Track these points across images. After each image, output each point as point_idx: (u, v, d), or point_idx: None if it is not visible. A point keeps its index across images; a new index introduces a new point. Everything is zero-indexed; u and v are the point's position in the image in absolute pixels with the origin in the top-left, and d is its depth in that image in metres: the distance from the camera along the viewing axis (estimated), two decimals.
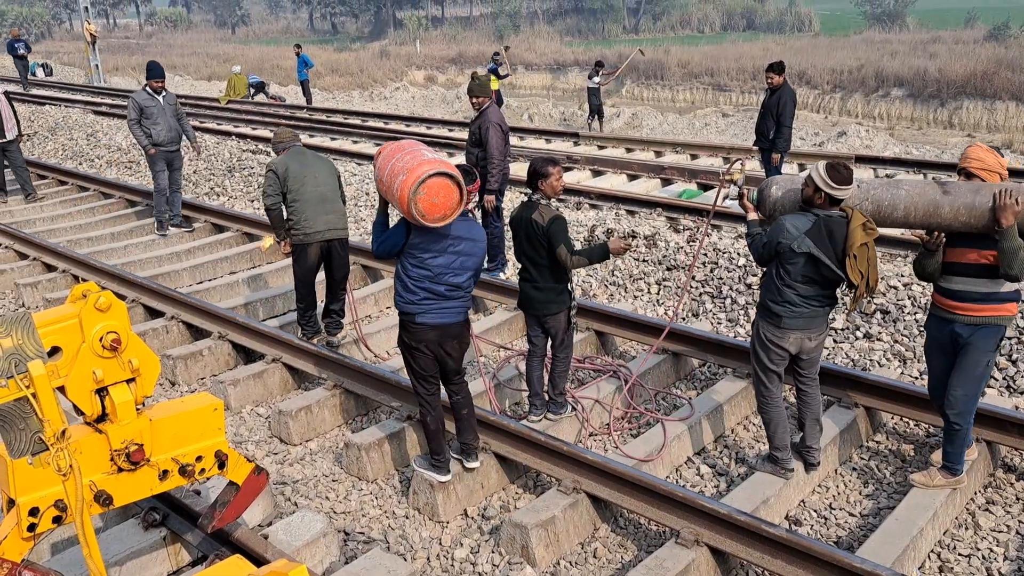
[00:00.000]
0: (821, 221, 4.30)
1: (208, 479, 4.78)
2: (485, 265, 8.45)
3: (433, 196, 4.15)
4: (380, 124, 18.89)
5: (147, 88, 9.54)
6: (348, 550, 4.51)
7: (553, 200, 5.26)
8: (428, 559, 4.47)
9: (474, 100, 7.85)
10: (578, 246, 8.71)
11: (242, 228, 9.84)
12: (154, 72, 9.54)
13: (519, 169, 13.44)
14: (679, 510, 4.33)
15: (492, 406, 5.83)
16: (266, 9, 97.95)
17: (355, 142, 16.67)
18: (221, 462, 3.73)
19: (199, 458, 3.66)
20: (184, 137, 9.93)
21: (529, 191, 5.25)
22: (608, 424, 5.71)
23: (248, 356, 6.84)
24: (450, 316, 4.49)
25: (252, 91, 23.91)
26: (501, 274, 8.32)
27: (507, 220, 9.11)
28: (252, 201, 11.71)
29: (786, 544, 3.94)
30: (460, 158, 13.12)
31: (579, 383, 6.21)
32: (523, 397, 5.95)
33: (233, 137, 15.94)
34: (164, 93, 9.60)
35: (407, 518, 4.82)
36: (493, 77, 19.79)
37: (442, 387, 4.77)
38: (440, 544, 4.59)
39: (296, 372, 6.45)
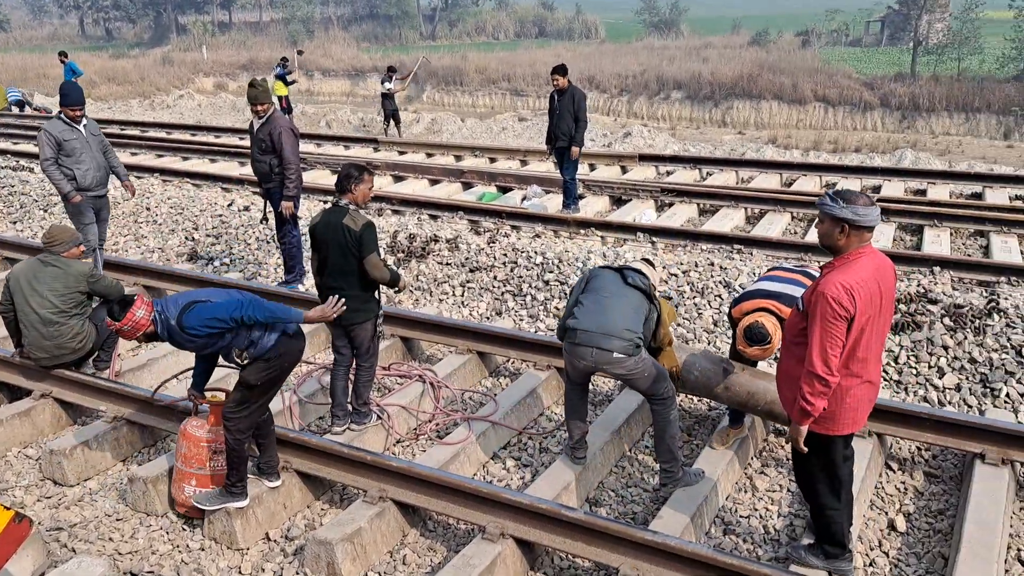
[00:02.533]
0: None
1: None
2: (284, 278, 8.17)
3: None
4: (162, 134, 17.73)
5: (62, 116, 7.41)
6: None
7: (362, 208, 5.16)
8: None
9: (258, 107, 7.51)
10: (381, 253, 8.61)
11: (2, 252, 8.86)
12: (73, 96, 7.36)
13: (317, 177, 13.12)
14: (484, 506, 4.38)
15: (294, 423, 5.63)
16: (28, 14, 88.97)
17: (134, 154, 15.51)
18: None
19: None
20: (112, 175, 7.86)
21: (337, 196, 5.12)
22: (415, 429, 5.68)
23: (13, 394, 6.15)
24: None
25: (13, 108, 21.67)
26: (300, 286, 8.04)
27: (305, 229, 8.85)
28: (14, 223, 10.58)
29: (584, 526, 4.09)
30: (248, 168, 12.59)
31: (386, 391, 6.13)
32: (327, 411, 5.78)
33: None
34: (85, 122, 7.50)
35: (203, 550, 4.53)
36: (280, 83, 19.17)
37: None
38: (240, 573, 4.34)
39: (70, 407, 5.88)
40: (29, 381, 5.93)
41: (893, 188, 11.40)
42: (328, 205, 5.17)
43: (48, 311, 5.55)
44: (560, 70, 10.09)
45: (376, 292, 5.23)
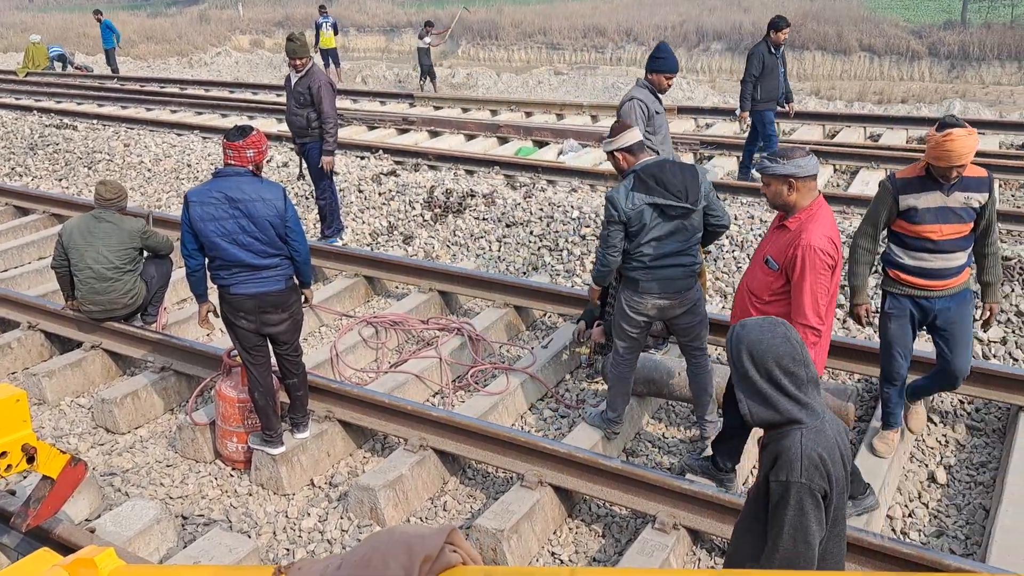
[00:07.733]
0: None
1: (24, 476, 4.46)
2: (322, 232, 8.22)
3: None
4: (201, 91, 17.83)
5: (649, 83, 5.99)
6: (187, 534, 4.33)
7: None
8: (274, 533, 4.36)
9: (297, 62, 7.51)
10: (417, 208, 8.64)
11: (49, 209, 9.06)
12: (671, 60, 5.99)
13: (352, 133, 13.14)
14: (523, 454, 4.44)
15: (335, 374, 5.74)
16: None
17: (173, 111, 15.67)
18: (30, 456, 3.46)
19: (3, 454, 3.37)
20: None
21: None
22: (455, 380, 5.76)
23: (64, 345, 6.35)
24: (268, 284, 4.35)
25: (54, 64, 21.96)
26: (338, 240, 8.11)
27: (337, 184, 8.90)
28: (60, 180, 10.79)
29: (622, 475, 4.13)
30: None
31: (424, 344, 6.20)
32: (368, 363, 5.86)
33: (35, 112, 14.59)
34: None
35: (250, 495, 4.67)
36: (331, 34, 18.97)
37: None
38: (286, 517, 4.48)
39: (119, 358, 6.06)
40: (80, 333, 6.12)
41: None
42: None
43: (103, 267, 5.67)
44: (787, 22, 8.99)
45: None
